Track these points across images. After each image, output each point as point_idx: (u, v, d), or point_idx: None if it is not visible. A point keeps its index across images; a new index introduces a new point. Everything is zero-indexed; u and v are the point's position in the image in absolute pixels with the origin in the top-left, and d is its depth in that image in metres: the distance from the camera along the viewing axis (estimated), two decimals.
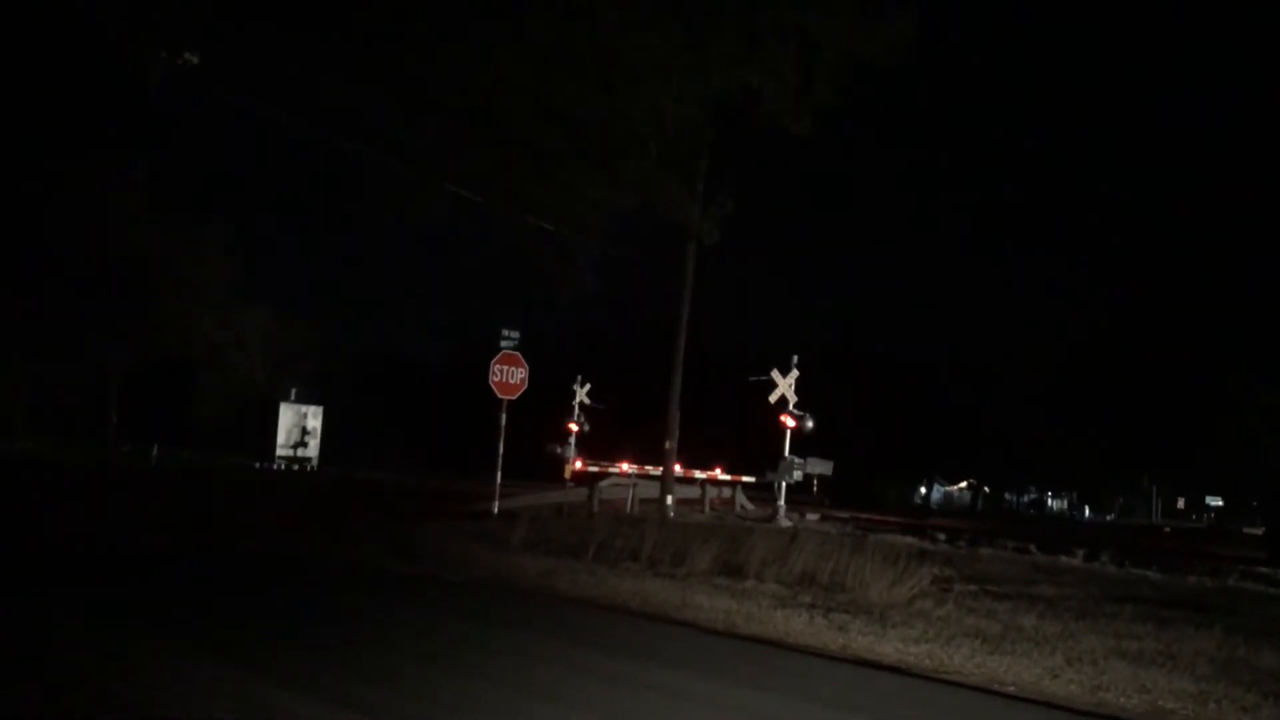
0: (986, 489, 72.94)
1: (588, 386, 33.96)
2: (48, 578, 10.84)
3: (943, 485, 77.55)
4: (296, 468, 40.69)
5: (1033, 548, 22.60)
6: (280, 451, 42.10)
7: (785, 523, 24.88)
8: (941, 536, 24.51)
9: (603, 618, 10.43)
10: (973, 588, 13.25)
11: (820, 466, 27.07)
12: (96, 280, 35.68)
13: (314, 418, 43.73)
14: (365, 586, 11.63)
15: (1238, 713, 7.71)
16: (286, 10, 11.81)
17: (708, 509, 27.90)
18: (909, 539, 22.36)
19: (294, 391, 44.91)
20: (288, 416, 43.02)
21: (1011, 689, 8.25)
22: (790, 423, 25.21)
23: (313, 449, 42.74)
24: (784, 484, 26.48)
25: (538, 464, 30.12)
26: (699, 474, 28.89)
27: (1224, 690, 8.20)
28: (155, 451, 38.06)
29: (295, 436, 42.29)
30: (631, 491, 26.70)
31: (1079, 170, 58.76)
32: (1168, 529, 58.01)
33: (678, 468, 23.19)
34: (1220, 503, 66.25)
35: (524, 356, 17.91)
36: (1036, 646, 9.52)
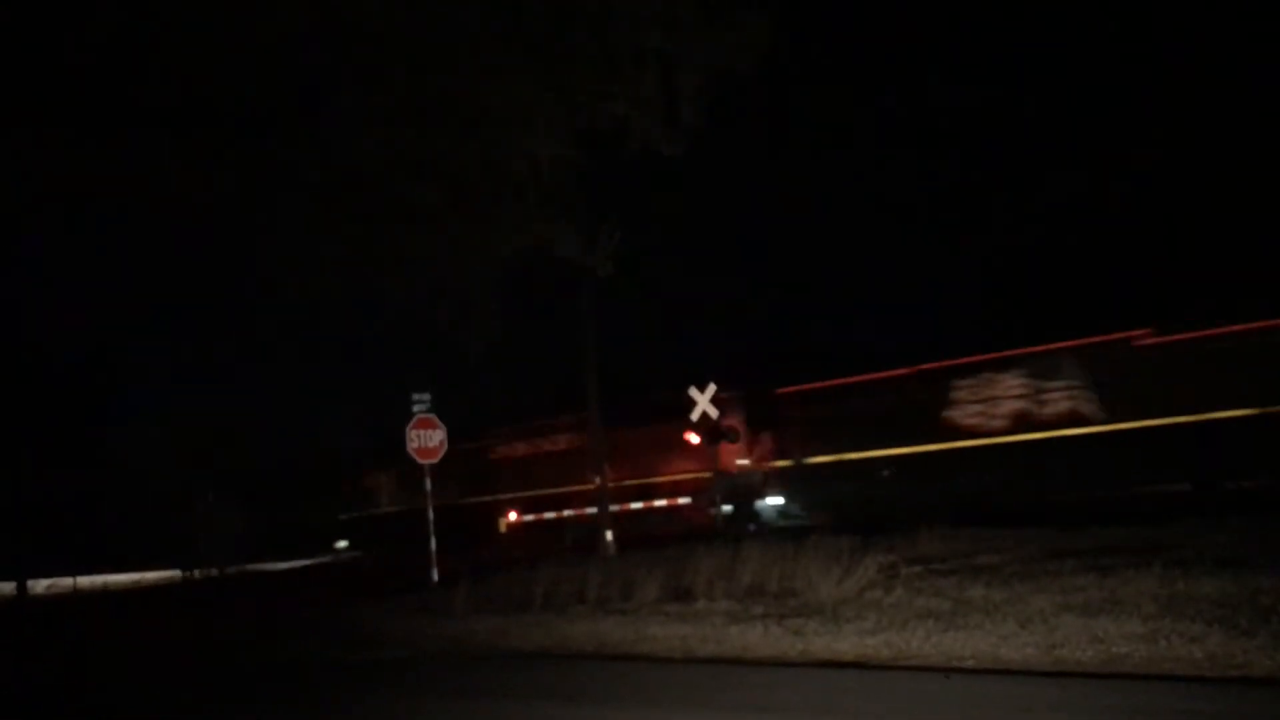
0: None
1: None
2: None
3: None
4: (215, 573, 39.40)
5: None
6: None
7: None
8: None
9: (558, 666, 10.29)
10: (918, 569, 13.38)
11: (754, 479, 27.26)
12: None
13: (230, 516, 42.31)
14: (309, 680, 11.27)
15: (1187, 644, 7.87)
16: (141, 111, 11.59)
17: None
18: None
19: (211, 496, 43.66)
20: (214, 522, 41.72)
21: (970, 662, 8.32)
22: (694, 439, 25.35)
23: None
24: (719, 500, 26.58)
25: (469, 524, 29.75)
26: (636, 505, 28.79)
27: (1171, 625, 8.36)
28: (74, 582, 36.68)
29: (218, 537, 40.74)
30: (569, 533, 26.62)
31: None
32: None
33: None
34: None
35: (440, 418, 17.70)
36: (988, 616, 9.62)
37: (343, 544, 40.34)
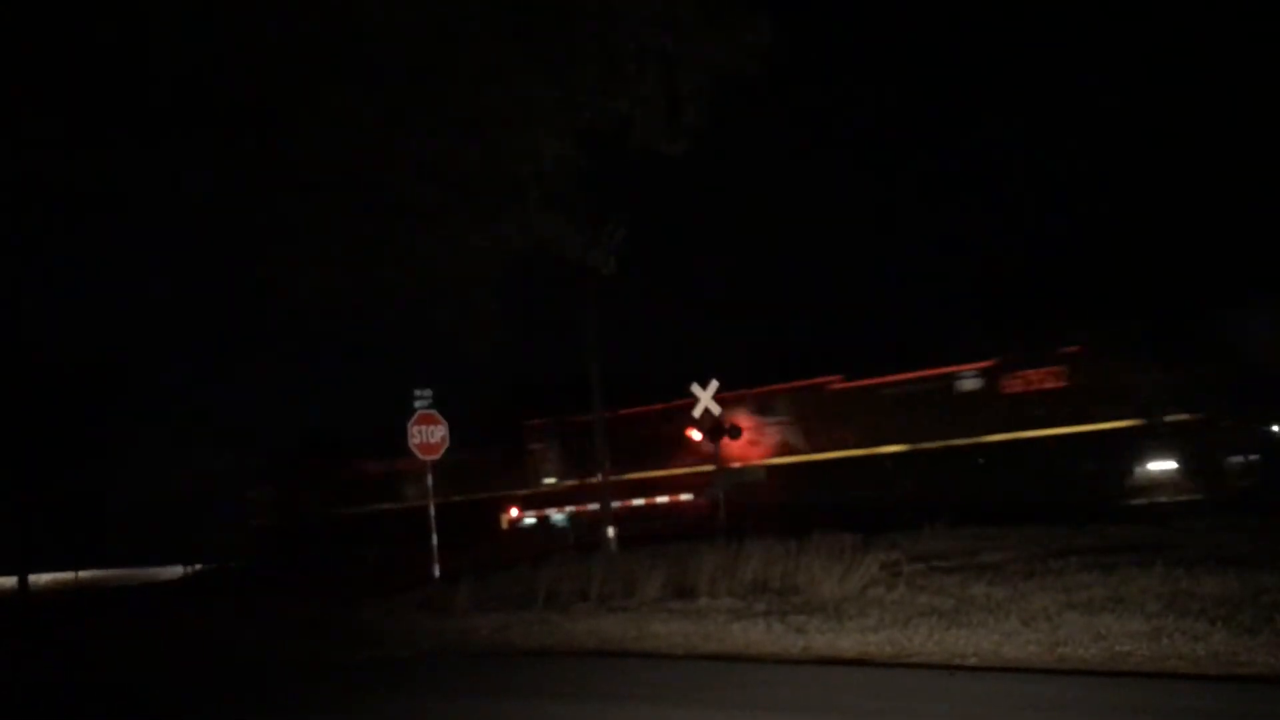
0: None
1: None
2: None
3: None
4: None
5: None
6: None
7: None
8: None
9: (561, 664, 10.30)
10: (920, 566, 13.38)
11: (754, 475, 27.31)
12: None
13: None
14: (312, 679, 11.28)
15: (1190, 643, 7.88)
16: (140, 109, 11.57)
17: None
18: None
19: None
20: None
21: (973, 660, 8.34)
22: (697, 436, 25.41)
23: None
24: (722, 496, 26.61)
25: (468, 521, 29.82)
26: (638, 501, 28.80)
27: (1174, 623, 8.37)
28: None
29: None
30: (571, 530, 26.69)
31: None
32: None
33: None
34: None
35: (441, 414, 17.68)
36: (991, 614, 9.63)
37: None
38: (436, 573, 16.88)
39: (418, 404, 17.34)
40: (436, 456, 17.52)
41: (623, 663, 9.96)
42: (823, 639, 9.66)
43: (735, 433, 25.98)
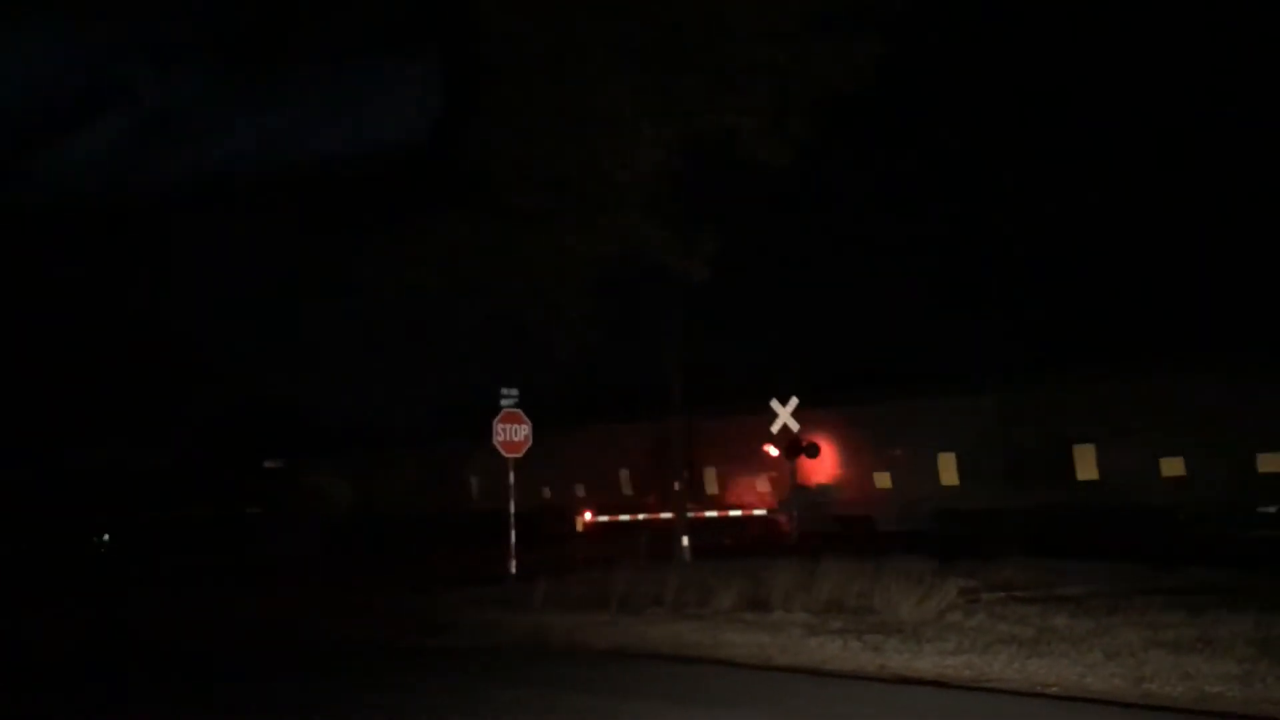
0: None
1: None
2: None
3: None
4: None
5: None
6: None
7: None
8: None
9: (638, 666, 10.38)
10: (1000, 595, 13.22)
11: (826, 494, 27.23)
12: None
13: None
14: (394, 663, 11.51)
15: None
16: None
17: None
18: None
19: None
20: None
21: (1055, 689, 8.24)
22: (773, 452, 25.37)
23: None
24: (796, 513, 26.55)
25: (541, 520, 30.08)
26: (711, 513, 28.84)
27: (1267, 669, 8.18)
28: None
29: None
30: (644, 537, 26.79)
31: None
32: None
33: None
34: None
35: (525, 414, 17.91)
36: (1073, 646, 9.50)
37: None
38: (513, 569, 17.08)
39: (504, 402, 17.58)
40: (519, 454, 17.73)
41: (698, 668, 10.02)
42: (900, 659, 9.62)
43: (813, 451, 25.95)
